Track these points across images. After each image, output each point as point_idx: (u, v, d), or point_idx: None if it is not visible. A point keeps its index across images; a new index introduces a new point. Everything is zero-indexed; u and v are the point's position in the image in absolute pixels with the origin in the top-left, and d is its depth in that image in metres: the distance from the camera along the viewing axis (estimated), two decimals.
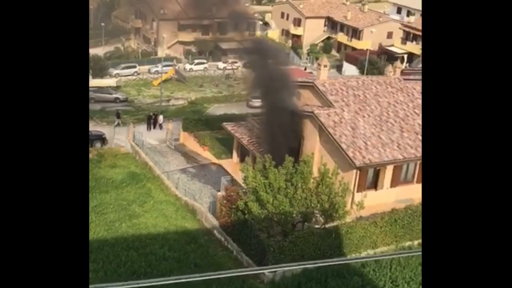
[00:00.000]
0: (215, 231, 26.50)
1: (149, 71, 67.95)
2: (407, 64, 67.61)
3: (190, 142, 38.73)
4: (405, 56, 69.51)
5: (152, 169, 33.68)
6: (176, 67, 67.43)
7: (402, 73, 35.53)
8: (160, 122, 43.72)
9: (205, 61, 72.74)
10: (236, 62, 70.95)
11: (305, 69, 68.04)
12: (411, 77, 35.03)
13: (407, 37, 71.08)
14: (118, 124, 44.07)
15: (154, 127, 43.25)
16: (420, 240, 25.68)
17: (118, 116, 45.74)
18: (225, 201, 26.12)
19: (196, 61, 72.25)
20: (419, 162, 28.66)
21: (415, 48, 68.98)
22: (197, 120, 40.93)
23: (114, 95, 55.53)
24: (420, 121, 30.04)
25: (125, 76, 65.70)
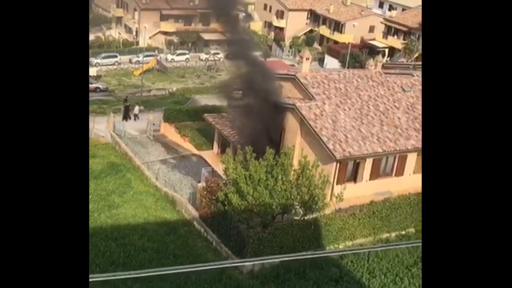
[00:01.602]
0: (194, 222, 26.50)
1: (130, 61, 67.42)
2: (388, 58, 68.09)
3: (170, 133, 38.55)
4: (387, 50, 69.97)
5: (132, 159, 33.50)
6: (158, 58, 66.98)
7: (383, 67, 35.77)
8: (136, 112, 43.25)
9: (187, 51, 72.38)
10: (218, 54, 70.71)
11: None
12: (392, 71, 35.29)
13: (389, 31, 71.54)
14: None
15: (130, 118, 42.72)
16: (397, 232, 26.01)
17: (126, 102, 46.01)
18: (205, 192, 26.12)
19: (178, 51, 71.86)
20: (398, 155, 28.98)
21: (397, 42, 69.48)
22: (178, 111, 40.71)
23: (94, 85, 54.98)
24: (399, 115, 30.33)
25: (105, 65, 65.09)
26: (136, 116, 42.90)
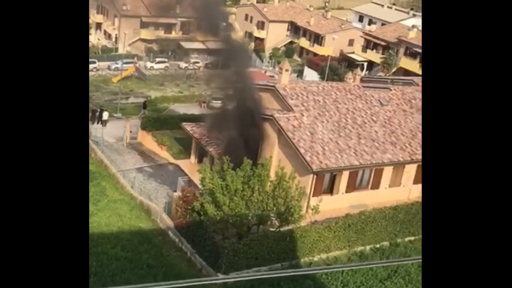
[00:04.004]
0: (169, 232, 26.24)
1: (108, 68, 66.82)
2: (367, 71, 68.77)
3: (148, 141, 38.25)
4: (365, 64, 70.68)
5: (108, 167, 33.09)
6: (137, 65, 66.58)
7: (362, 80, 36.07)
8: (105, 118, 42.70)
9: (166, 59, 72.11)
10: (197, 62, 70.61)
11: (265, 72, 68.30)
12: (370, 84, 35.60)
13: (368, 45, 72.33)
14: (144, 114, 44.58)
15: (98, 123, 42.06)
16: (372, 245, 26.09)
17: (145, 107, 46.52)
18: (181, 202, 25.91)
19: (157, 59, 71.54)
20: (374, 168, 29.16)
21: (375, 56, 70.26)
22: (156, 119, 40.46)
23: None
24: (376, 129, 30.56)
25: None
26: (105, 122, 42.27)
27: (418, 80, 37.58)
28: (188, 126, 34.62)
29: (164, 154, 36.27)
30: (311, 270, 21.87)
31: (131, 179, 31.51)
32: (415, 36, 66.03)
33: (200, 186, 25.02)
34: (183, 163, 34.34)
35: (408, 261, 23.78)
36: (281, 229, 23.85)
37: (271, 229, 24.24)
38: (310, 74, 67.69)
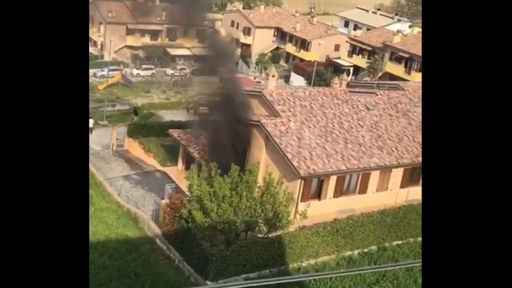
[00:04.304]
0: (157, 240, 26.07)
1: (94, 75, 66.45)
2: (353, 76, 69.07)
3: (134, 149, 38.05)
4: (351, 69, 71.02)
5: (94, 175, 32.84)
6: (123, 72, 66.32)
7: (348, 85, 36.20)
8: (90, 126, 42.37)
9: (152, 66, 71.93)
10: (184, 69, 70.54)
11: (255, 78, 68.40)
12: (356, 89, 35.75)
13: (354, 50, 72.68)
14: (134, 120, 44.96)
15: None
16: (360, 250, 26.13)
17: (136, 113, 46.74)
18: (168, 209, 25.77)
19: (143, 66, 71.32)
20: (361, 173, 29.24)
21: (361, 61, 70.62)
22: (143, 126, 40.27)
23: None
24: (363, 133, 30.66)
25: None
26: (90, 129, 41.93)
27: (404, 84, 37.83)
28: (175, 133, 34.50)
29: (151, 161, 36.10)
30: (300, 277, 21.83)
31: (118, 187, 31.31)
32: (400, 41, 66.53)
33: (187, 193, 24.92)
34: (170, 170, 34.19)
35: (394, 266, 23.84)
36: (270, 235, 23.81)
37: (259, 235, 24.18)
38: (297, 80, 67.90)
